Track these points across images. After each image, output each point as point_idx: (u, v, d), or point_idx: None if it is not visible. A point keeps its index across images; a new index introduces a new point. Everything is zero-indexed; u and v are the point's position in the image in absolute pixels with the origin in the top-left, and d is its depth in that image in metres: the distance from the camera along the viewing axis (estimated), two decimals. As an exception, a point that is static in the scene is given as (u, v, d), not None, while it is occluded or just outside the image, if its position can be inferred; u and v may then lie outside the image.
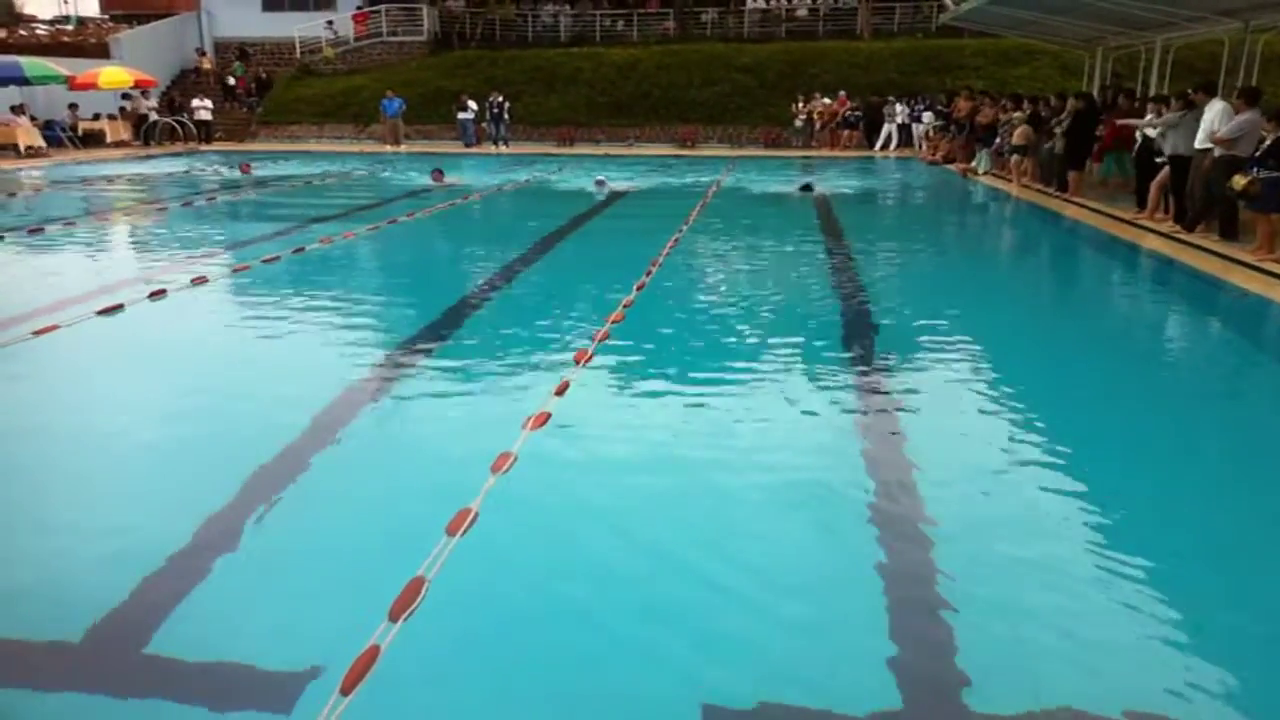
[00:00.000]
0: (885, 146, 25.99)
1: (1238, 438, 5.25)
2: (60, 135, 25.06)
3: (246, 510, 4.06)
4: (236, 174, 19.63)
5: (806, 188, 16.75)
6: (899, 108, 25.84)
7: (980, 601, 3.37)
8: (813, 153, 25.81)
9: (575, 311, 7.74)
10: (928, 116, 24.63)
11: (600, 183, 16.90)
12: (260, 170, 20.42)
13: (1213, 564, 3.74)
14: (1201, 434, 5.29)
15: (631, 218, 14.27)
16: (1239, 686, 2.91)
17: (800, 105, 27.23)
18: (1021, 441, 4.92)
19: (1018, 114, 17.11)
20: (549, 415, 5.10)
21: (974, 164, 19.58)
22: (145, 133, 26.93)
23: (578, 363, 6.06)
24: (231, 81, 31.33)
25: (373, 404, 5.47)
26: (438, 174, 18.21)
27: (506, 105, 27.12)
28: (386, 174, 20.20)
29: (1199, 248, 10.34)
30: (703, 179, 18.67)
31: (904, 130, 25.85)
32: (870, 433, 5.05)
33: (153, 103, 28.13)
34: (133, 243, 11.94)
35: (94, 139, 26.14)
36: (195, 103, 28.01)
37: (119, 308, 7.54)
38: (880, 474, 4.48)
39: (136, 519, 4.06)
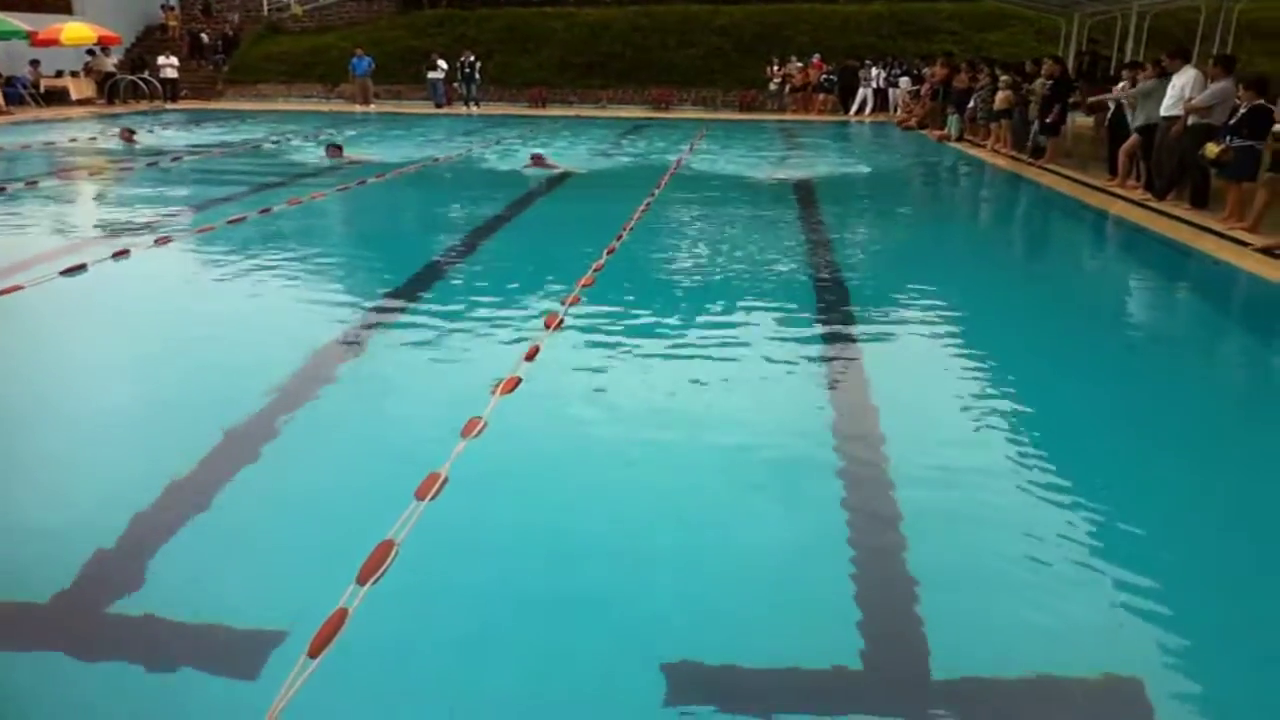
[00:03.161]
0: (860, 111, 25.91)
1: (1204, 402, 5.33)
2: (22, 93, 24.46)
3: (213, 473, 4.03)
4: (116, 144, 16.77)
5: (335, 148, 15.11)
6: (874, 71, 25.74)
7: (944, 564, 3.41)
8: (787, 116, 25.70)
9: (548, 276, 7.68)
10: (904, 81, 24.57)
11: (538, 160, 13.78)
12: (182, 135, 18.91)
13: (1178, 527, 3.80)
14: (1168, 399, 5.36)
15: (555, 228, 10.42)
16: (1203, 648, 2.96)
17: (775, 69, 27.07)
18: (989, 405, 4.96)
19: (1003, 78, 17.02)
20: (519, 380, 5.08)
21: (946, 129, 19.57)
22: (109, 90, 26.34)
23: (548, 327, 6.03)
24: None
25: (341, 369, 5.43)
26: (334, 150, 15.06)
27: (478, 65, 26.76)
28: (297, 144, 17.65)
29: (1170, 215, 10.41)
30: (666, 156, 16.14)
31: (879, 95, 25.77)
32: (839, 394, 5.08)
33: (115, 60, 27.46)
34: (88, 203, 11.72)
35: (57, 96, 25.54)
36: (161, 60, 27.37)
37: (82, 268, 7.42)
38: (848, 437, 4.51)
39: (102, 481, 4.03)
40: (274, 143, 17.92)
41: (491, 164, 14.88)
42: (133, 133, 17.29)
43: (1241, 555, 3.61)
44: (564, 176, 13.46)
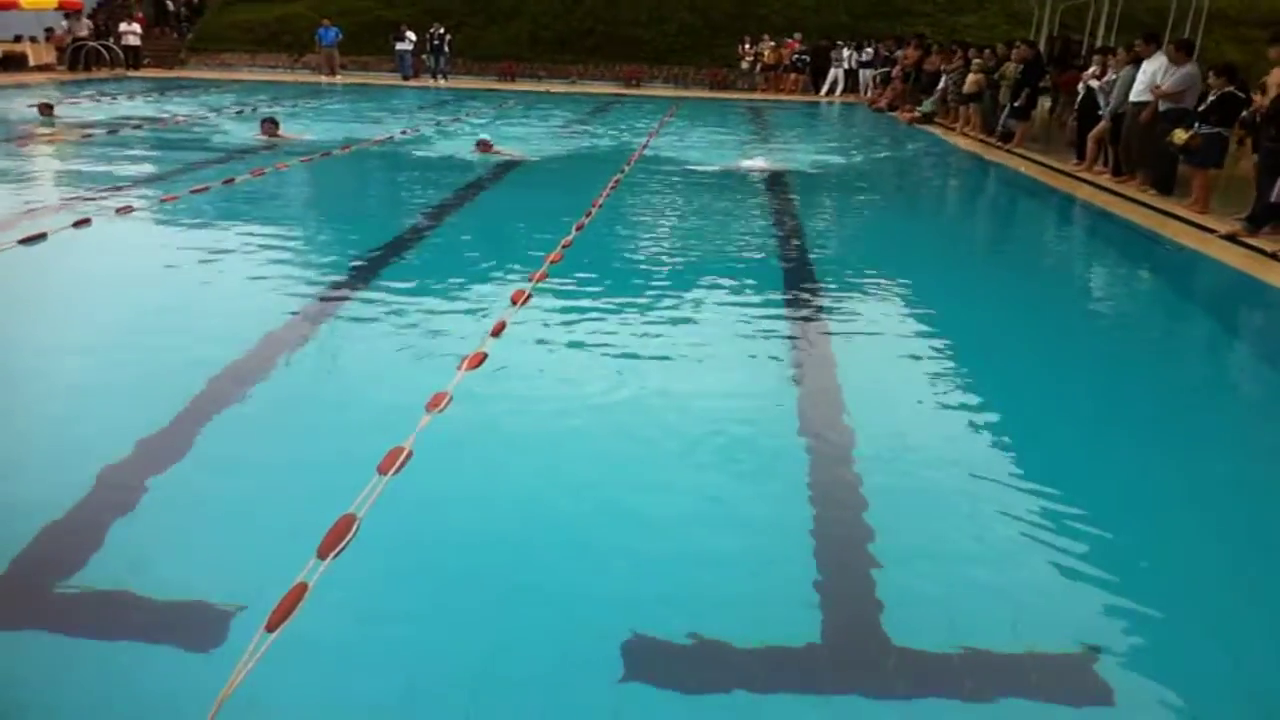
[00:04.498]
0: (831, 92, 25.91)
1: (1163, 386, 5.40)
2: (-22, 57, 23.88)
3: (172, 445, 3.95)
4: (34, 114, 15.14)
5: (46, 108, 14.46)
6: (846, 53, 25.72)
7: (905, 538, 3.43)
8: (757, 96, 25.64)
9: (515, 254, 7.61)
10: (866, 71, 24.58)
11: (484, 145, 12.95)
12: (135, 106, 17.96)
13: (1137, 502, 3.85)
14: (1128, 382, 5.42)
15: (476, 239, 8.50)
16: (1160, 620, 3.00)
17: (747, 48, 26.98)
18: (952, 386, 5.01)
19: (975, 61, 17.04)
20: (485, 355, 5.03)
21: (917, 112, 19.61)
22: (71, 57, 25.73)
23: (514, 303, 5.98)
24: None
25: (304, 342, 5.35)
26: (270, 125, 13.64)
27: (447, 38, 26.43)
28: (225, 119, 16.03)
29: (1136, 201, 10.52)
30: (633, 139, 15.40)
31: (850, 76, 25.77)
32: (803, 373, 5.09)
33: (84, 26, 26.75)
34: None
35: (14, 62, 24.93)
36: (123, 27, 26.73)
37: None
38: (812, 413, 4.53)
39: (56, 453, 3.95)
40: (204, 118, 16.20)
41: (445, 146, 13.82)
42: (51, 106, 15.49)
43: (1197, 531, 3.66)
44: (497, 170, 11.96)
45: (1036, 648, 2.85)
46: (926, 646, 2.84)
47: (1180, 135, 9.63)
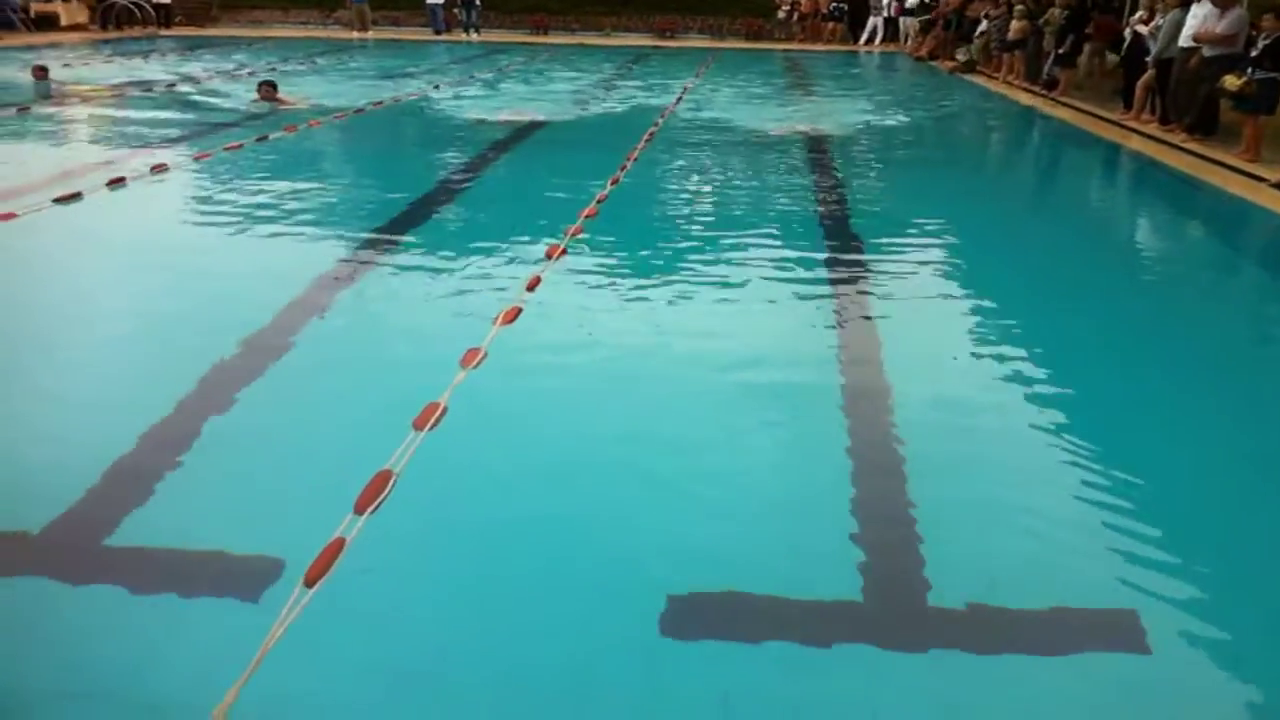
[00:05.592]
0: (870, 41, 25.38)
1: (1218, 336, 5.25)
2: (12, 18, 23.93)
3: (209, 402, 3.97)
4: (25, 78, 14.28)
5: (40, 70, 13.71)
6: (885, 0, 25.14)
7: (944, 498, 3.37)
8: (794, 46, 25.18)
9: (548, 210, 7.53)
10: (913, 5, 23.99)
11: (267, 90, 12.12)
12: (167, 64, 17.76)
13: (1181, 463, 3.75)
14: (1179, 336, 5.28)
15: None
16: (1200, 581, 2.93)
17: (783, -4, 26.48)
18: (996, 340, 4.91)
19: (1018, 8, 16.59)
20: (520, 309, 4.99)
21: (959, 59, 19.15)
22: (103, 16, 25.77)
23: (549, 257, 5.92)
24: None
25: (339, 298, 5.33)
26: (268, 88, 12.63)
27: (478, -9, 26.17)
28: (218, 88, 14.50)
29: (1183, 150, 10.21)
30: (656, 100, 14.25)
31: (890, 24, 25.20)
32: (843, 328, 5.00)
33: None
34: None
35: (47, 22, 25.00)
36: (154, -16, 26.73)
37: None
38: (851, 371, 4.45)
39: (98, 411, 3.97)
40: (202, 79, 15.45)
41: (480, 103, 13.45)
42: (45, 70, 14.48)
43: (1245, 492, 3.56)
44: (517, 133, 11.12)
45: (1076, 604, 2.80)
46: (964, 601, 2.79)
47: (1233, 81, 9.30)
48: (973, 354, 4.74)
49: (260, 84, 12.88)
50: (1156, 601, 2.81)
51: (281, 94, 12.74)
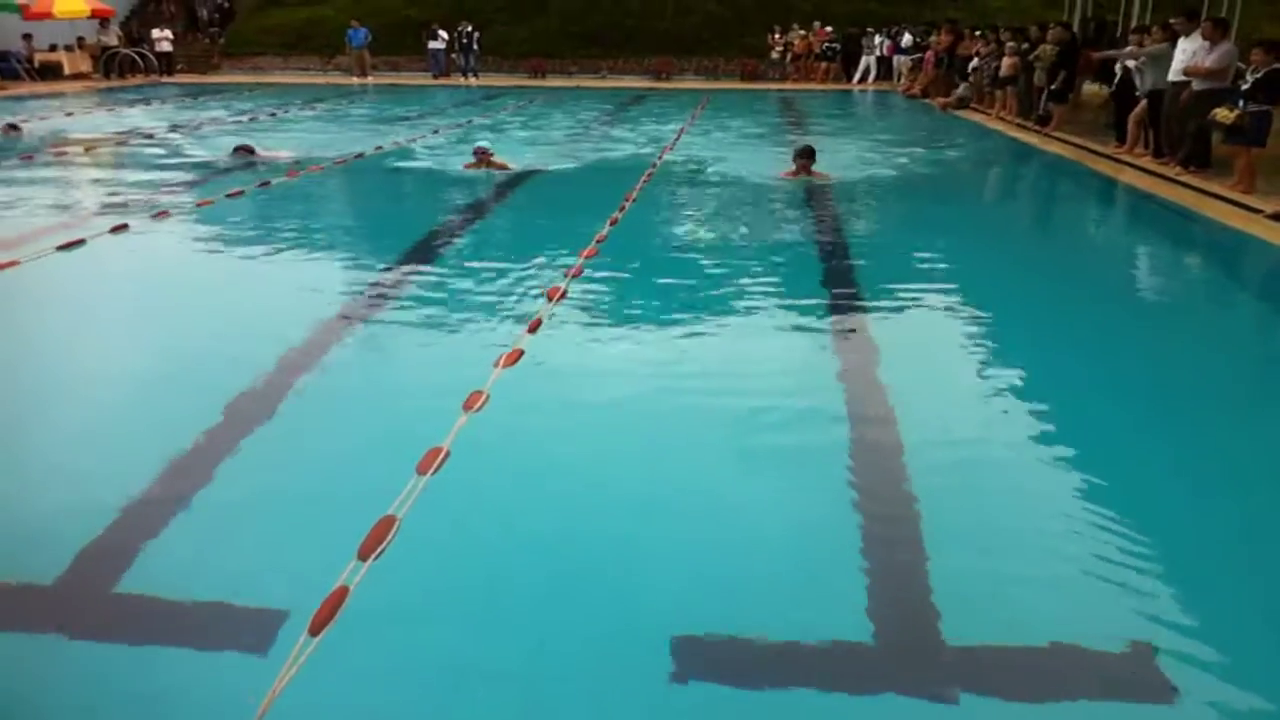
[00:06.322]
0: (864, 79, 25.65)
1: (1215, 370, 5.25)
2: (16, 67, 24.22)
3: (214, 450, 3.96)
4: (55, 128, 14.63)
5: (10, 128, 13.23)
6: (878, 39, 25.45)
7: (954, 533, 3.35)
8: (789, 86, 25.44)
9: (549, 250, 7.57)
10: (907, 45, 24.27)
11: (482, 154, 11.02)
12: (167, 112, 17.90)
13: (1189, 490, 3.75)
14: (1179, 367, 5.28)
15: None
16: (1220, 613, 2.91)
17: (777, 37, 26.78)
18: (998, 374, 4.91)
19: (1008, 44, 16.78)
20: (521, 352, 5.00)
21: (952, 97, 19.34)
22: (105, 65, 26.08)
23: (550, 299, 5.95)
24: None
25: (341, 343, 5.35)
26: (245, 149, 12.14)
27: (476, 35, 26.48)
28: (188, 137, 14.26)
29: (1178, 183, 10.28)
30: (653, 140, 14.12)
31: (883, 63, 25.49)
32: (847, 364, 5.00)
33: (116, 34, 27.11)
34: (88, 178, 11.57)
35: (51, 71, 25.30)
36: (155, 33, 27.05)
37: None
38: (856, 406, 4.44)
39: (102, 460, 3.97)
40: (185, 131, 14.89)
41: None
42: (17, 127, 14.38)
43: (1253, 519, 3.54)
44: (498, 190, 10.33)
45: (1091, 641, 2.77)
46: (980, 640, 2.77)
47: (1225, 114, 9.39)
48: (977, 387, 4.74)
49: (236, 148, 12.26)
50: (1173, 636, 2.79)
51: (261, 152, 12.18)
